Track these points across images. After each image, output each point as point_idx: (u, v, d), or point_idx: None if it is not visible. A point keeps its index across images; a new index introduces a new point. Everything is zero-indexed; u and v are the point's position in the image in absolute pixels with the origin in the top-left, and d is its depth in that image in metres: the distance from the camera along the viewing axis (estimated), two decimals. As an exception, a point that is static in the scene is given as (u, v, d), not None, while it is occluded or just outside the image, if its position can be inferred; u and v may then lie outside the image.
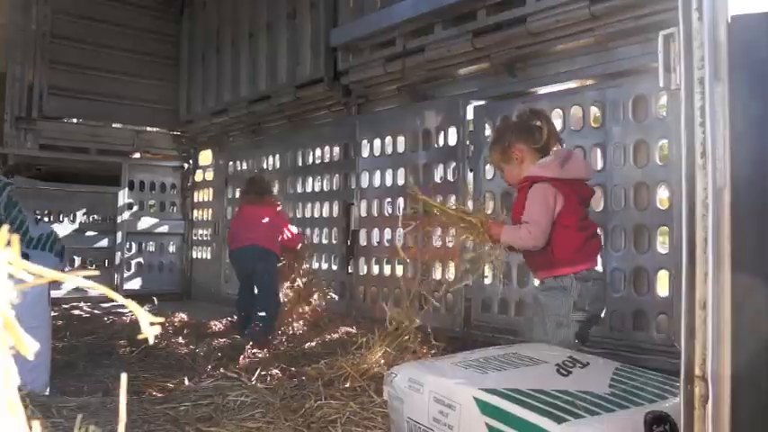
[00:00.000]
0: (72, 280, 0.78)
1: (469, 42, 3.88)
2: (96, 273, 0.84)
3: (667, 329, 3.14)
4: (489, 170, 4.02)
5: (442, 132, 4.32)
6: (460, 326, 4.09)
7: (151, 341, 0.77)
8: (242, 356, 3.70)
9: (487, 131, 4.02)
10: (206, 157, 7.41)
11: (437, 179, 4.38)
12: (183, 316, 4.91)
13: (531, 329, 2.77)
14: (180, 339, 4.09)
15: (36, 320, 2.67)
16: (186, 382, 3.10)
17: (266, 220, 4.69)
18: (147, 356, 3.66)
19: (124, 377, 0.71)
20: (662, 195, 3.39)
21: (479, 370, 2.10)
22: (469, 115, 4.12)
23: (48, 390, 2.75)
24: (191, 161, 7.49)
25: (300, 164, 5.77)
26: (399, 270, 4.72)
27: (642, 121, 3.28)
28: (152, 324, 0.75)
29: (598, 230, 2.91)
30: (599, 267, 2.75)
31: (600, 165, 3.47)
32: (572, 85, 3.69)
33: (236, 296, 5.00)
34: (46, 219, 6.53)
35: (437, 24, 4.09)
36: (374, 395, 2.49)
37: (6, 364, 0.68)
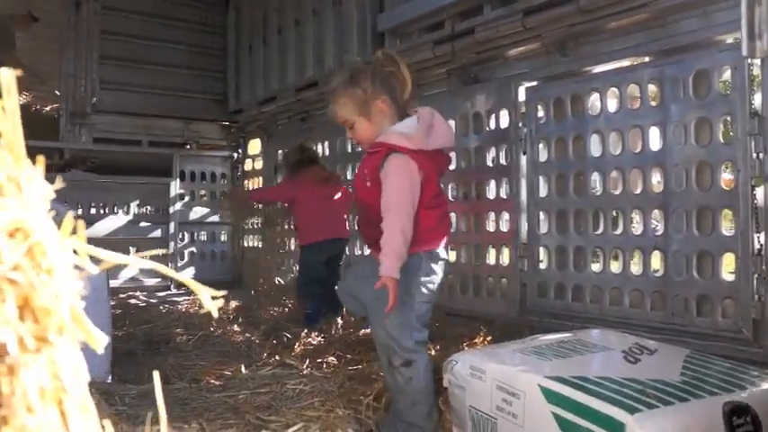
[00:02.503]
0: (137, 263, 0.77)
1: (519, 22, 3.79)
2: (165, 250, 0.82)
3: (734, 314, 3.02)
4: (543, 153, 3.93)
5: (494, 115, 4.24)
6: (516, 311, 4.03)
7: (215, 314, 0.76)
8: (297, 344, 3.72)
9: (540, 113, 3.93)
10: (255, 145, 7.46)
11: (489, 163, 4.31)
12: (237, 303, 4.96)
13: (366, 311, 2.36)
14: (235, 327, 4.14)
15: (98, 308, 2.72)
16: (243, 369, 3.12)
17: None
18: (203, 344, 3.71)
19: (156, 375, 0.69)
20: (726, 176, 3.27)
21: (543, 357, 2.06)
22: (521, 97, 4.03)
23: (110, 377, 2.80)
24: (240, 150, 7.56)
25: (349, 150, 5.76)
26: (452, 256, 4.67)
27: (703, 97, 3.15)
28: (214, 298, 0.74)
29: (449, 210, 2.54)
30: (442, 250, 2.34)
31: (659, 144, 3.36)
32: (627, 62, 3.58)
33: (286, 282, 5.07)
34: (102, 211, 6.68)
35: (486, 5, 4.02)
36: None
37: (77, 361, 0.67)
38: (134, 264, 0.79)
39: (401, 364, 2.22)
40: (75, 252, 0.71)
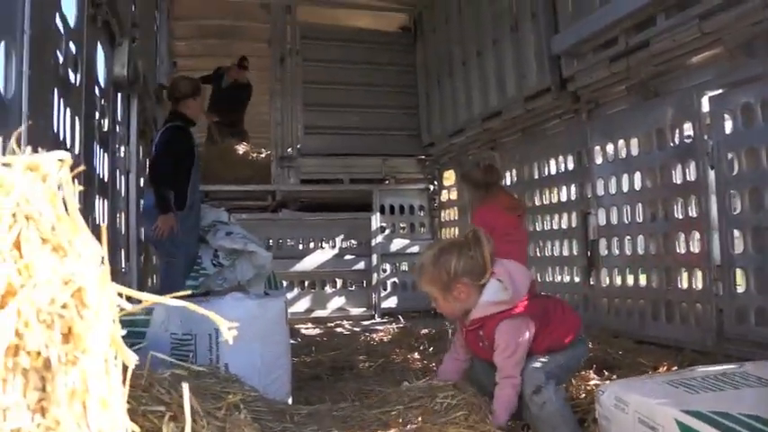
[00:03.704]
0: (167, 301, 0.93)
1: (696, 28, 3.54)
2: (186, 293, 0.96)
3: None
4: (733, 166, 3.60)
5: (677, 129, 3.98)
6: (713, 339, 3.70)
7: (230, 341, 0.88)
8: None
9: (728, 123, 3.62)
10: (449, 177, 7.65)
11: (676, 180, 4.03)
12: (427, 331, 5.08)
13: None
14: (416, 354, 4.26)
15: (275, 337, 3.00)
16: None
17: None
18: (383, 371, 3.87)
19: (186, 387, 0.80)
20: None
21: (691, 389, 1.90)
22: (705, 107, 3.74)
23: (290, 399, 3.04)
24: (435, 182, 7.79)
25: (536, 176, 5.70)
26: (643, 280, 4.41)
27: None
28: (229, 329, 0.88)
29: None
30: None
31: None
32: (827, 57, 3.18)
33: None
34: (311, 245, 7.23)
35: (659, 14, 3.80)
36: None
37: (109, 371, 0.83)
38: (165, 302, 0.94)
39: (532, 391, 2.27)
40: (119, 295, 0.89)
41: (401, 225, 7.70)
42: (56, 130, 2.69)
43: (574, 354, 2.46)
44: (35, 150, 0.90)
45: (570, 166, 5.22)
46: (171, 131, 4.26)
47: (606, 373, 3.28)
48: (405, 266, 7.63)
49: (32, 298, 0.78)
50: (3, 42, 2.05)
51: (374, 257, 7.26)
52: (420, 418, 2.37)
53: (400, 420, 2.39)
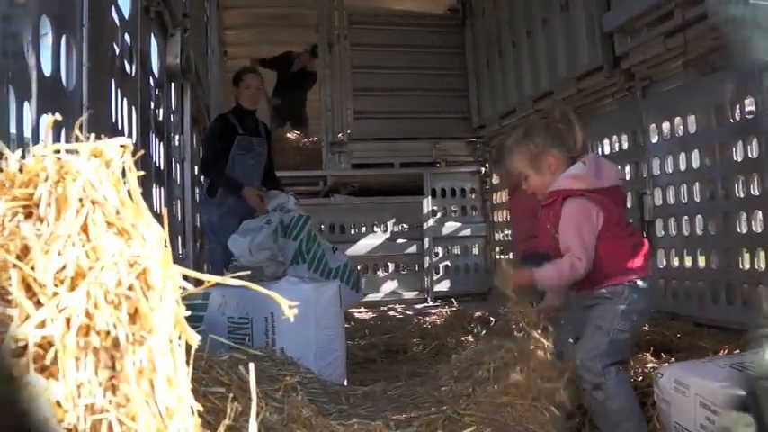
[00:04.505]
0: (228, 281, 0.96)
1: (757, -1, 3.41)
2: (245, 273, 0.97)
3: None
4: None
5: (738, 105, 3.84)
6: (777, 322, 3.58)
7: (291, 319, 0.91)
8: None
9: (792, 97, 3.48)
10: (501, 159, 7.56)
11: (737, 158, 3.90)
12: (480, 314, 5.07)
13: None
14: (469, 337, 4.25)
15: (329, 320, 3.04)
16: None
17: None
18: (437, 353, 3.88)
19: (251, 368, 0.82)
20: None
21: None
22: None
23: (345, 380, 3.08)
24: (486, 165, 7.71)
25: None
26: (702, 261, 4.30)
27: None
28: (290, 307, 0.90)
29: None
30: (642, 282, 2.35)
31: None
32: None
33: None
34: (363, 229, 7.27)
35: (717, -15, 3.68)
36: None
37: (173, 351, 0.86)
38: (225, 282, 0.97)
39: (592, 387, 2.20)
40: (183, 277, 0.93)
41: (453, 208, 7.67)
42: (114, 120, 2.77)
43: (628, 307, 2.27)
44: (98, 138, 0.93)
45: (625, 145, 5.11)
46: (212, 122, 4.50)
47: (664, 356, 3.22)
48: (457, 250, 7.63)
49: (100, 280, 0.82)
50: (64, 36, 2.12)
51: (426, 241, 7.26)
52: (471, 390, 2.34)
53: (451, 396, 2.39)
